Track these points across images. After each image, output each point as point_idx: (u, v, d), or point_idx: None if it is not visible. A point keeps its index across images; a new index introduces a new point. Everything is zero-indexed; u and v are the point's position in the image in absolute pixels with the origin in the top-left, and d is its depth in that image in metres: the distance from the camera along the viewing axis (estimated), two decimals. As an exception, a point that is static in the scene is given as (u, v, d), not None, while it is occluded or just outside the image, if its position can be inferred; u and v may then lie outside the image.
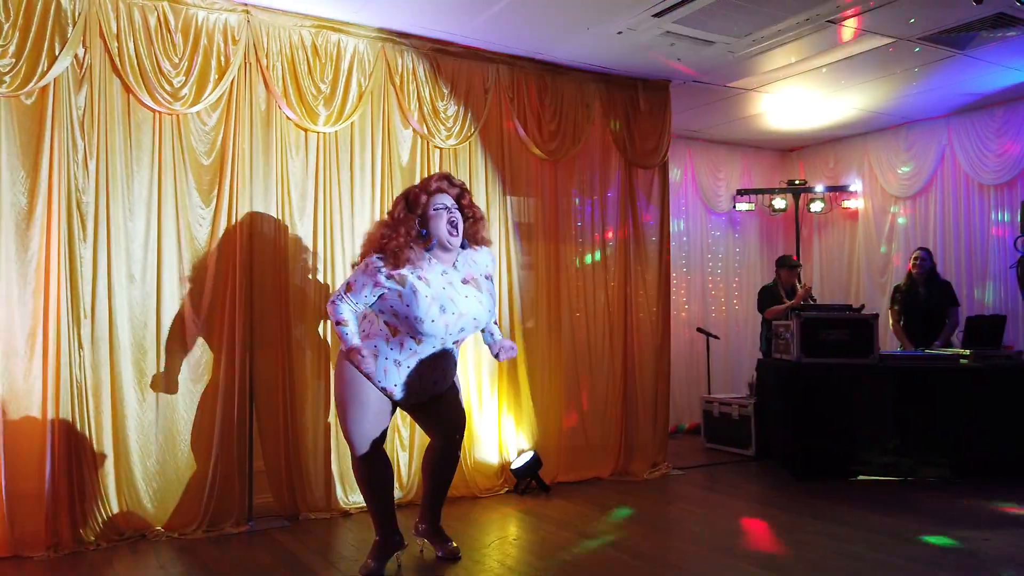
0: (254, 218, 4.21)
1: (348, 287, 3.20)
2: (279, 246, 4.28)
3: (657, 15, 4.36)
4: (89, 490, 3.77)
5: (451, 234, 3.25)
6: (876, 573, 3.34)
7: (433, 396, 3.45)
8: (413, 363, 3.28)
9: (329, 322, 3.58)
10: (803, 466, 5.21)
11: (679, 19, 4.40)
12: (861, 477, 5.13)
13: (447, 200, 3.28)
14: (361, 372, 3.21)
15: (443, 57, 4.77)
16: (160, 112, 3.98)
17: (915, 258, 6.08)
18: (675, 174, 7.13)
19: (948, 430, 5.07)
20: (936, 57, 5.16)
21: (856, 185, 7.51)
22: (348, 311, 3.18)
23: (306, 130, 4.36)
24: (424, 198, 3.27)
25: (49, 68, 3.69)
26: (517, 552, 3.73)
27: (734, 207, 7.65)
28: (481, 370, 4.84)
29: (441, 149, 4.76)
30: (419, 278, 3.18)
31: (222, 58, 4.10)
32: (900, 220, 7.17)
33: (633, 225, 5.43)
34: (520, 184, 5.05)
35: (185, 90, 4.00)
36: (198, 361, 4.05)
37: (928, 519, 4.14)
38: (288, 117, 4.30)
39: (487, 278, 3.45)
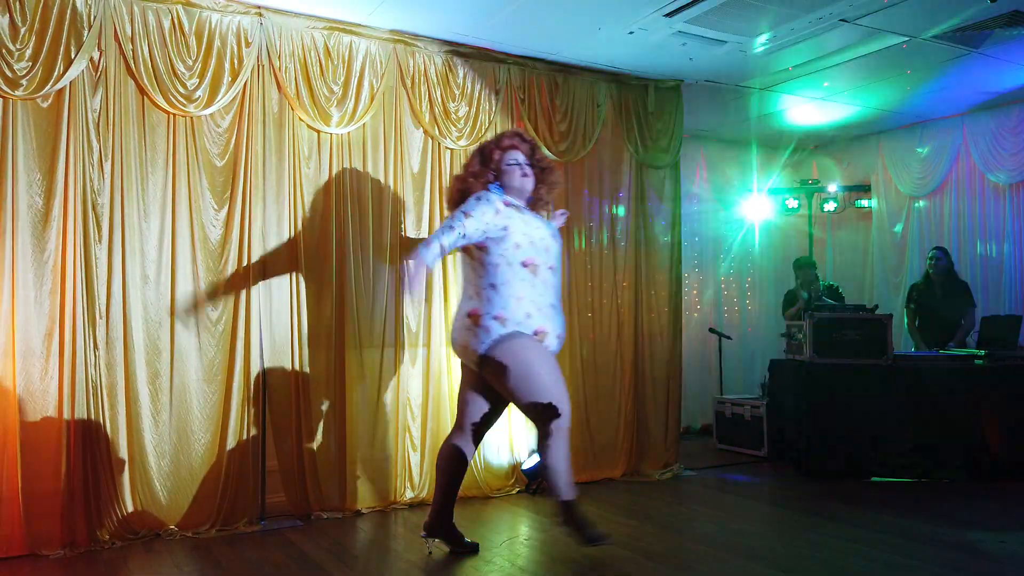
0: (267, 219, 4.24)
1: (465, 215, 3.28)
2: (292, 247, 4.30)
3: (668, 15, 4.35)
4: (104, 489, 3.81)
5: (524, 180, 3.49)
6: (890, 575, 3.32)
7: None
8: (526, 290, 3.35)
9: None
10: (816, 467, 5.19)
11: (691, 19, 4.39)
12: (875, 478, 5.09)
13: (519, 156, 3.52)
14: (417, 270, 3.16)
15: (454, 58, 4.78)
16: (174, 114, 4.01)
17: (931, 258, 6.04)
18: (687, 173, 7.10)
19: (963, 431, 5.03)
20: (950, 56, 5.12)
21: (870, 184, 7.46)
22: (450, 240, 3.23)
23: (319, 132, 4.38)
24: (498, 154, 3.51)
25: (65, 71, 3.73)
26: (528, 552, 3.73)
27: (747, 207, 7.62)
28: (492, 370, 4.84)
29: (452, 150, 4.78)
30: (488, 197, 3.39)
31: (235, 60, 4.13)
32: (914, 220, 7.11)
33: (645, 225, 5.42)
34: (531, 184, 5.05)
35: (199, 92, 4.03)
36: (212, 361, 4.08)
37: (943, 520, 4.11)
38: (301, 119, 4.32)
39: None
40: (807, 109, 6.45)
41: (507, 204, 3.44)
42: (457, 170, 4.72)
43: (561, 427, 3.35)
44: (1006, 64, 5.33)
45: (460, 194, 3.53)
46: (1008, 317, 5.48)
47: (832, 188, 7.56)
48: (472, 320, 3.36)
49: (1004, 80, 5.72)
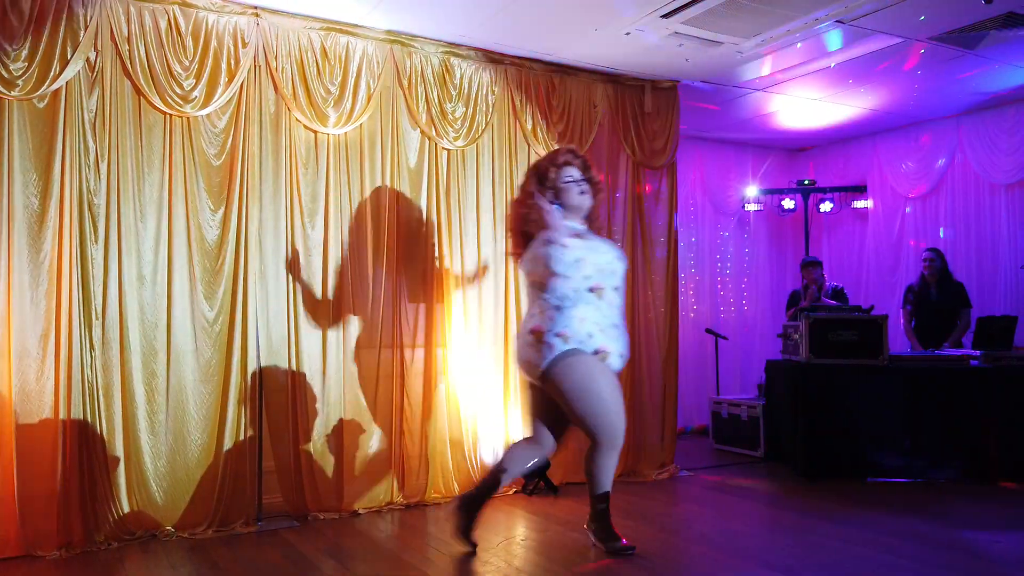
0: (264, 220, 4.24)
1: (554, 274, 3.36)
2: (290, 248, 4.30)
3: (665, 16, 4.35)
4: (100, 490, 3.80)
5: (582, 198, 3.55)
6: (885, 575, 3.33)
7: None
8: (590, 312, 3.42)
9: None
10: (812, 468, 5.20)
11: (687, 20, 4.39)
12: (871, 479, 5.11)
13: (575, 172, 3.57)
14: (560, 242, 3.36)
15: (451, 59, 4.78)
16: (171, 115, 4.01)
17: (924, 259, 6.06)
18: (684, 174, 7.11)
19: (959, 431, 5.04)
20: (946, 57, 5.14)
21: (866, 185, 7.48)
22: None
23: (316, 132, 4.38)
24: (553, 171, 3.55)
25: (61, 72, 3.72)
26: (524, 552, 3.73)
27: (743, 208, 7.63)
28: (487, 370, 4.84)
29: (449, 150, 4.78)
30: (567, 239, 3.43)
31: (232, 61, 4.13)
32: (909, 220, 7.13)
33: (641, 226, 5.43)
34: (528, 185, 5.05)
35: (195, 93, 4.03)
36: (208, 362, 4.07)
37: (938, 520, 4.12)
38: (297, 119, 4.32)
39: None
40: (803, 110, 6.46)
41: (573, 235, 3.48)
42: (454, 168, 4.75)
43: (615, 445, 3.50)
44: (1002, 65, 5.35)
45: (523, 220, 3.56)
46: (1003, 318, 5.49)
47: (828, 189, 7.56)
48: (535, 337, 3.45)
49: (1000, 81, 5.73)
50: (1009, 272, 6.35)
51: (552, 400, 3.53)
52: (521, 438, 3.89)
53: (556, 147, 5.03)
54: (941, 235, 6.86)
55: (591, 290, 3.43)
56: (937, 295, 6.01)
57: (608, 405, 3.41)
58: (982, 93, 6.05)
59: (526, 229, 3.55)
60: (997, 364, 5.10)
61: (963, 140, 6.64)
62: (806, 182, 7.61)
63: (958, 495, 4.70)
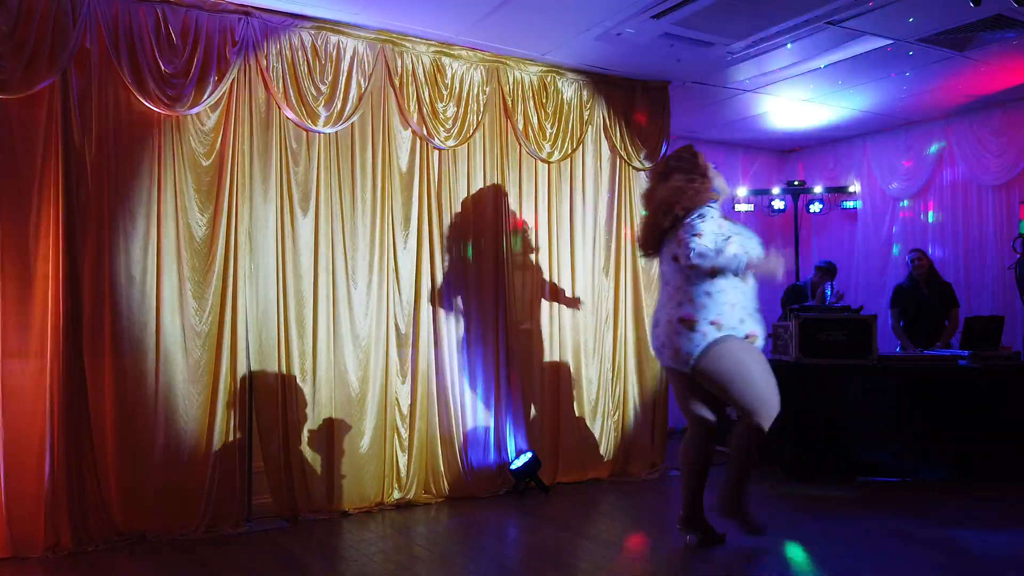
0: (255, 220, 4.22)
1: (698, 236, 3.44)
2: (280, 248, 4.28)
3: (656, 16, 4.36)
4: (89, 491, 3.77)
5: (726, 188, 3.73)
6: (875, 574, 3.35)
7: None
8: (738, 297, 3.53)
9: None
10: (801, 467, 5.22)
11: (678, 20, 4.40)
12: (861, 479, 5.13)
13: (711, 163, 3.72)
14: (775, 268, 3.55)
15: (443, 58, 4.77)
16: (160, 113, 3.98)
17: (911, 259, 6.10)
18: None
19: (948, 431, 5.07)
20: (935, 59, 5.17)
21: (855, 186, 7.51)
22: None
23: (306, 131, 4.36)
24: (702, 161, 3.67)
25: (50, 69, 3.68)
26: (516, 553, 3.73)
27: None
28: (477, 371, 4.84)
29: (440, 150, 4.77)
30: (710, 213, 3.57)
31: (221, 59, 4.10)
32: (898, 221, 7.17)
33: (631, 226, 5.44)
34: (519, 185, 5.06)
35: (185, 91, 4.00)
36: (197, 362, 4.05)
37: (927, 519, 4.15)
38: (288, 118, 4.30)
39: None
40: (793, 111, 6.48)
41: (724, 217, 3.62)
42: (446, 168, 4.74)
43: (771, 418, 3.59)
44: (990, 68, 5.38)
45: (684, 209, 3.57)
46: (991, 318, 5.53)
47: (817, 189, 7.60)
48: (686, 325, 3.52)
49: (988, 83, 5.77)
50: (997, 272, 6.39)
51: (698, 384, 3.63)
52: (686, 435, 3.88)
53: (546, 146, 5.06)
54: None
55: (737, 274, 3.53)
56: (926, 295, 6.04)
57: (761, 383, 3.53)
58: (971, 95, 6.09)
59: (677, 211, 3.56)
60: (985, 364, 5.14)
61: (952, 142, 6.68)
62: (796, 183, 7.63)
63: (947, 494, 4.73)
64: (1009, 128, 6.25)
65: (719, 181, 3.68)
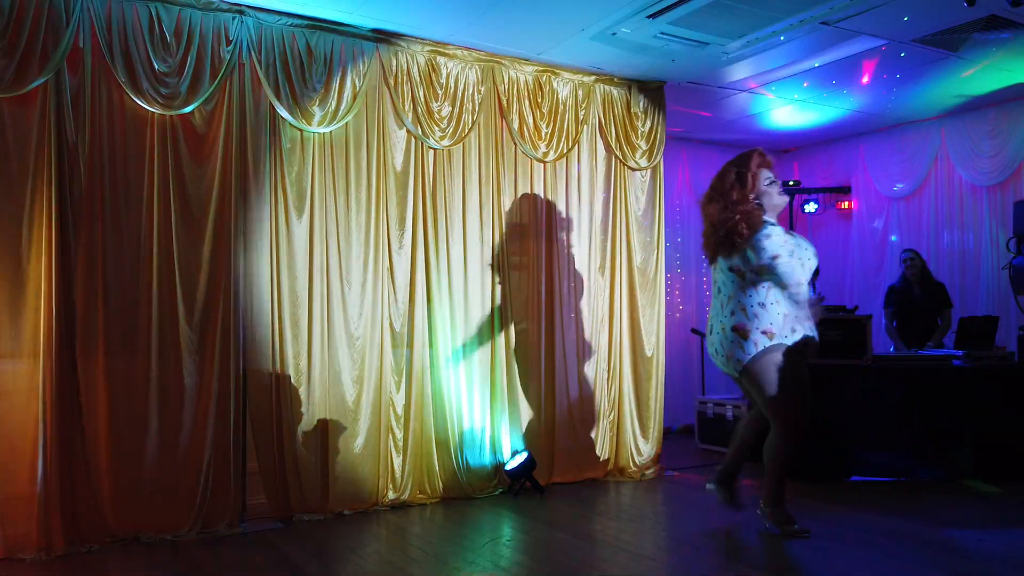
0: (248, 219, 4.20)
1: (775, 257, 3.62)
2: (274, 247, 4.27)
3: (652, 16, 4.36)
4: (82, 492, 3.76)
5: (782, 198, 3.83)
6: (870, 573, 3.35)
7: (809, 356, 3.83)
8: (789, 307, 3.70)
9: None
10: (797, 467, 5.20)
11: (674, 20, 4.40)
12: (855, 478, 5.14)
13: (770, 173, 3.81)
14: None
15: (438, 58, 4.76)
16: (154, 113, 3.96)
17: (904, 260, 6.11)
18: (670, 175, 7.12)
19: (943, 431, 5.08)
20: (930, 59, 5.18)
21: (850, 186, 7.52)
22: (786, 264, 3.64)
23: (301, 131, 4.35)
24: (753, 176, 3.76)
25: (42, 68, 3.67)
26: (511, 553, 3.73)
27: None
28: (473, 371, 4.84)
29: (435, 150, 4.76)
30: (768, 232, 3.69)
31: (216, 58, 4.09)
32: (893, 221, 7.19)
33: (627, 226, 5.44)
34: (514, 185, 5.05)
35: (179, 91, 3.99)
36: (191, 362, 4.03)
37: (922, 519, 4.15)
38: (282, 118, 4.29)
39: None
40: (789, 111, 6.49)
41: (787, 232, 3.76)
42: (440, 168, 4.73)
43: (793, 432, 3.78)
44: (984, 68, 5.39)
45: (734, 228, 3.71)
46: (985, 318, 5.54)
47: (812, 189, 7.61)
48: (739, 334, 3.72)
49: (982, 84, 5.78)
50: (991, 273, 6.41)
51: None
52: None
53: (542, 146, 5.05)
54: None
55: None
56: (919, 295, 6.05)
57: (788, 397, 3.70)
58: (965, 96, 6.10)
59: (734, 238, 3.70)
60: (979, 364, 5.15)
61: (946, 142, 6.69)
62: (791, 183, 7.64)
63: (942, 494, 4.73)
64: (1003, 128, 6.26)
65: (773, 196, 3.77)
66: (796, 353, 3.73)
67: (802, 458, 5.15)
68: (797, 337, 3.72)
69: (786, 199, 3.90)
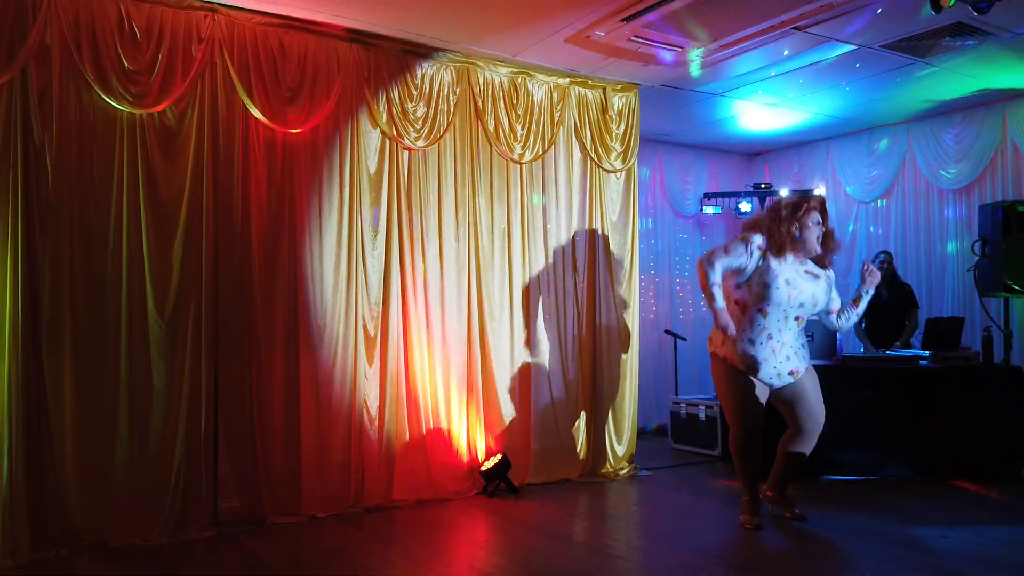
0: (220, 219, 4.16)
1: (725, 250, 3.92)
2: (246, 248, 4.23)
3: (627, 19, 4.39)
4: (49, 495, 3.69)
5: (817, 245, 4.01)
6: (839, 570, 3.40)
7: (793, 383, 4.07)
8: (764, 338, 3.94)
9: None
10: (768, 467, 5.26)
11: (648, 24, 4.43)
12: (825, 477, 5.21)
13: (819, 218, 4.02)
14: (726, 335, 3.95)
15: (412, 58, 4.75)
16: (124, 111, 3.91)
17: (880, 261, 6.19)
18: (643, 177, 7.18)
19: (910, 430, 5.17)
20: (898, 64, 5.27)
21: (819, 189, 7.62)
22: (719, 273, 3.89)
23: (274, 131, 4.32)
24: (805, 209, 3.97)
25: (7, 65, 3.60)
26: (486, 554, 3.73)
27: (701, 210, 7.73)
28: (450, 372, 4.83)
29: (410, 150, 4.75)
30: (778, 262, 3.93)
31: (187, 57, 4.04)
32: (861, 224, 7.30)
33: (601, 227, 5.47)
34: (489, 186, 5.05)
35: (149, 89, 3.93)
36: (161, 363, 3.98)
37: (890, 517, 4.23)
38: (256, 117, 4.25)
39: (827, 277, 4.13)
40: (760, 114, 6.57)
41: (794, 265, 4.00)
42: (415, 169, 4.72)
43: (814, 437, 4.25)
44: (950, 74, 5.49)
45: (767, 227, 3.97)
46: (951, 319, 5.65)
47: (783, 192, 7.69)
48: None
49: (948, 89, 5.89)
50: (957, 275, 6.53)
51: (783, 396, 4.14)
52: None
53: (516, 147, 5.06)
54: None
55: (796, 318, 3.98)
56: (887, 296, 6.15)
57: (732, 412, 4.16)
58: (931, 101, 6.21)
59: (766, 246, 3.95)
60: (946, 364, 5.24)
61: (913, 146, 6.81)
62: (762, 185, 7.73)
63: (910, 492, 4.82)
64: (968, 133, 6.39)
65: (812, 234, 3.96)
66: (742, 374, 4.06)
67: (772, 457, 5.23)
68: (791, 367, 4.09)
69: (819, 247, 4.03)
